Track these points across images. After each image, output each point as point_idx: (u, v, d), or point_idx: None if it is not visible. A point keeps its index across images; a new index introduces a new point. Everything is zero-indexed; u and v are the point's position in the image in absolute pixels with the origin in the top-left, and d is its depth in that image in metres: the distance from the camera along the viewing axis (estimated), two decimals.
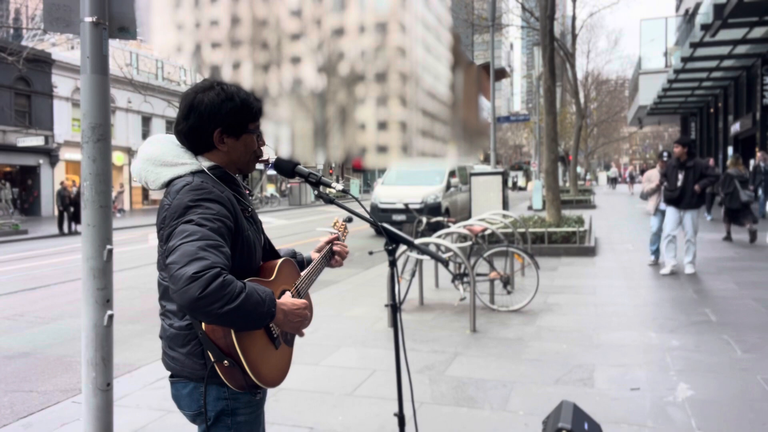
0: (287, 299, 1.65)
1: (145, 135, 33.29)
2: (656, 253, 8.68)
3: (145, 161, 1.70)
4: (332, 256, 2.11)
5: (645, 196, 8.71)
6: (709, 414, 3.47)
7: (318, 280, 2.03)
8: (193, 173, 1.67)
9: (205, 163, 1.70)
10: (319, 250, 2.08)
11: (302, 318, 1.66)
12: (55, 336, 6.00)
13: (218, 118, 1.67)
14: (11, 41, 27.07)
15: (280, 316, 1.58)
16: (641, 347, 4.79)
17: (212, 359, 1.57)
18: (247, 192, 1.88)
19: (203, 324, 1.55)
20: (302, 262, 2.08)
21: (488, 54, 19.78)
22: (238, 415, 1.69)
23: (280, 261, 1.83)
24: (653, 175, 8.65)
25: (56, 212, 20.61)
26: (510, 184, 45.91)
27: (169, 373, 1.73)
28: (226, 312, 1.42)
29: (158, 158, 1.69)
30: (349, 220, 2.29)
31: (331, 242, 2.10)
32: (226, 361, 1.55)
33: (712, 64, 18.77)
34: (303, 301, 1.68)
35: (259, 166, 1.89)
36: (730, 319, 5.58)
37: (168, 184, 1.67)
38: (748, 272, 7.94)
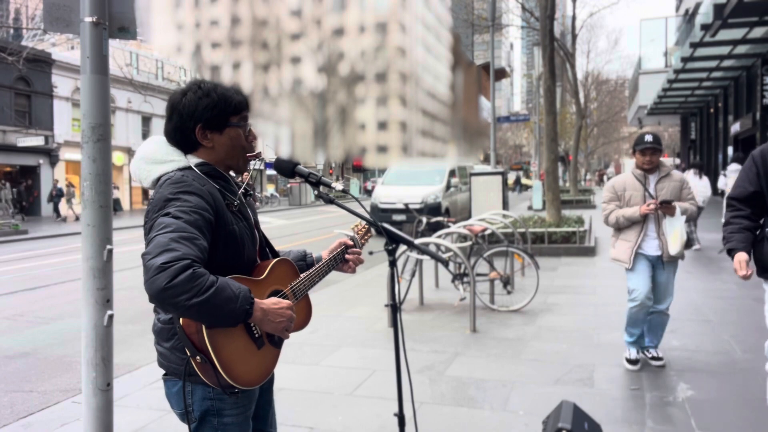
0: (269, 298, 1.62)
1: (145, 135, 33.27)
2: (639, 340, 4.40)
3: (139, 159, 1.75)
4: (344, 261, 2.08)
5: (615, 226, 4.32)
6: (709, 414, 3.47)
7: (322, 279, 2.02)
8: (181, 170, 1.70)
9: (193, 160, 1.73)
10: (331, 252, 2.07)
11: (284, 318, 1.61)
12: (55, 336, 6.00)
13: (197, 115, 1.71)
14: (11, 41, 27.05)
15: (258, 314, 1.55)
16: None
17: (188, 354, 1.58)
18: (248, 191, 1.88)
19: (180, 318, 1.55)
20: (312, 263, 2.07)
21: (488, 54, 19.78)
22: (224, 416, 1.69)
23: (274, 261, 1.82)
24: (627, 183, 4.31)
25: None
26: (513, 183, 45.56)
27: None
28: (194, 305, 1.41)
29: (150, 156, 1.73)
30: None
31: (344, 245, 2.08)
32: (198, 357, 1.55)
33: (712, 64, 18.77)
34: (287, 301, 1.65)
35: (259, 165, 1.90)
36: (730, 319, 5.58)
37: (158, 180, 1.71)
38: None
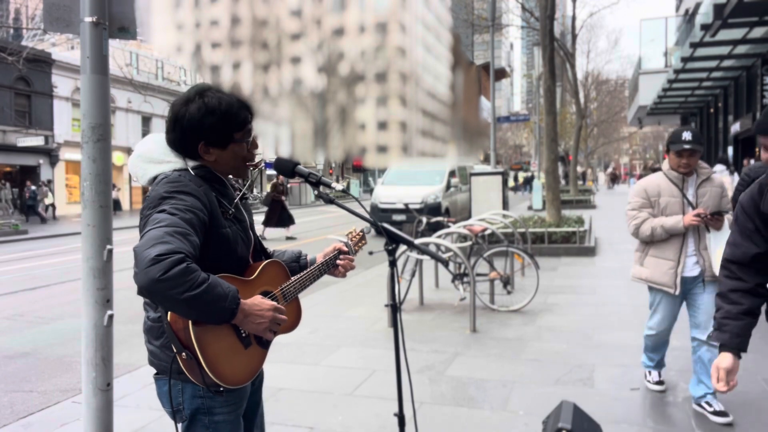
0: (252, 299, 1.61)
1: (144, 135, 32.94)
2: (660, 363, 3.99)
3: (137, 158, 1.76)
4: (335, 266, 2.09)
5: (650, 238, 3.67)
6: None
7: (318, 280, 2.02)
8: (177, 170, 1.70)
9: (190, 163, 1.74)
10: (325, 255, 2.08)
11: (264, 319, 1.60)
12: (55, 336, 6.00)
13: (200, 133, 1.70)
14: (11, 41, 27.05)
15: (240, 315, 1.55)
16: (641, 347, 4.78)
17: (174, 351, 1.58)
18: (243, 195, 1.89)
19: (168, 314, 1.56)
20: (306, 265, 2.08)
21: (488, 54, 19.78)
22: (215, 415, 1.69)
23: (265, 262, 1.82)
24: (661, 187, 3.62)
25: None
26: (522, 183, 45.32)
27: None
28: (186, 299, 1.41)
29: (147, 155, 1.74)
30: (369, 230, 2.22)
31: (338, 251, 2.09)
32: (184, 354, 1.55)
33: (712, 64, 18.76)
34: (269, 302, 1.63)
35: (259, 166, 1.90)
36: None
37: (154, 179, 1.72)
38: None
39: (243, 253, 1.78)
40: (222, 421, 1.70)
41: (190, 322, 1.53)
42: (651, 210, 3.62)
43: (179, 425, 1.72)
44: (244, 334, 1.67)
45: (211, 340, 1.57)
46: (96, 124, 2.57)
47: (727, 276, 2.17)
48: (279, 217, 14.71)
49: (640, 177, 30.35)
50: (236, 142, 1.75)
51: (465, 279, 6.43)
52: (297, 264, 2.07)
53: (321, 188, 1.93)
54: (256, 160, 1.85)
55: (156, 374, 1.73)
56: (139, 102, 32.38)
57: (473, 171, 14.59)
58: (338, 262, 2.07)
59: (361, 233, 2.27)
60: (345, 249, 2.11)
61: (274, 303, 1.65)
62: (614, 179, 52.57)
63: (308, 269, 1.97)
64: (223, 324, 1.56)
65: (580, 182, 35.77)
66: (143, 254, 1.41)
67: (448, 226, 7.14)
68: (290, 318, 1.88)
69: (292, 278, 1.90)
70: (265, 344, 1.76)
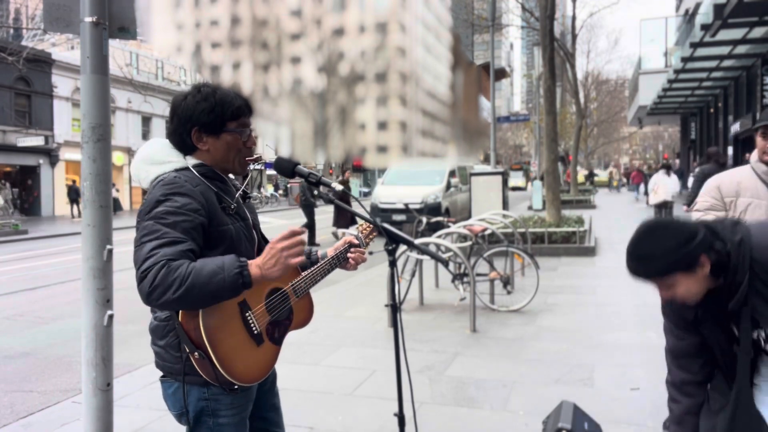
0: (258, 257, 1.59)
1: (145, 135, 33.27)
2: None
3: (139, 161, 1.77)
4: (346, 260, 2.08)
5: None
6: None
7: (325, 278, 2.02)
8: (177, 170, 1.71)
9: (191, 161, 1.75)
10: (335, 250, 2.07)
11: (277, 257, 1.56)
12: (55, 336, 6.00)
13: (193, 118, 1.73)
14: (11, 41, 27.05)
15: (257, 271, 1.54)
16: (641, 347, 4.78)
17: (187, 351, 1.59)
18: (246, 193, 1.89)
19: (179, 315, 1.58)
20: (316, 261, 2.07)
21: (488, 54, 19.78)
22: (219, 417, 1.69)
23: None
24: (741, 184, 2.69)
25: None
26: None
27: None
28: (182, 294, 1.45)
29: (149, 158, 1.76)
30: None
31: (348, 244, 2.08)
32: (197, 354, 1.56)
33: (712, 64, 18.77)
34: (271, 244, 1.59)
35: (258, 165, 1.91)
36: None
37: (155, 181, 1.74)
38: None
39: (247, 251, 1.79)
40: (226, 423, 1.70)
41: (200, 321, 1.54)
42: (724, 214, 2.70)
43: (186, 428, 1.72)
44: (255, 332, 1.67)
45: (222, 338, 1.58)
46: (96, 124, 2.57)
47: (679, 367, 2.08)
48: (350, 217, 14.47)
49: (635, 176, 30.31)
50: (229, 131, 1.75)
51: (465, 279, 6.43)
52: (308, 260, 2.05)
53: (321, 188, 1.93)
54: (255, 155, 1.85)
55: (162, 376, 1.73)
56: (139, 102, 32.38)
57: (473, 171, 14.60)
58: (349, 255, 2.06)
59: (371, 226, 2.26)
60: (356, 242, 2.10)
61: (275, 240, 1.61)
62: (628, 177, 52.62)
63: (318, 264, 1.96)
64: (242, 292, 1.55)
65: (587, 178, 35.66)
66: (137, 275, 1.51)
67: (448, 226, 7.14)
68: (303, 314, 1.89)
69: (303, 273, 1.90)
70: (278, 341, 1.76)
